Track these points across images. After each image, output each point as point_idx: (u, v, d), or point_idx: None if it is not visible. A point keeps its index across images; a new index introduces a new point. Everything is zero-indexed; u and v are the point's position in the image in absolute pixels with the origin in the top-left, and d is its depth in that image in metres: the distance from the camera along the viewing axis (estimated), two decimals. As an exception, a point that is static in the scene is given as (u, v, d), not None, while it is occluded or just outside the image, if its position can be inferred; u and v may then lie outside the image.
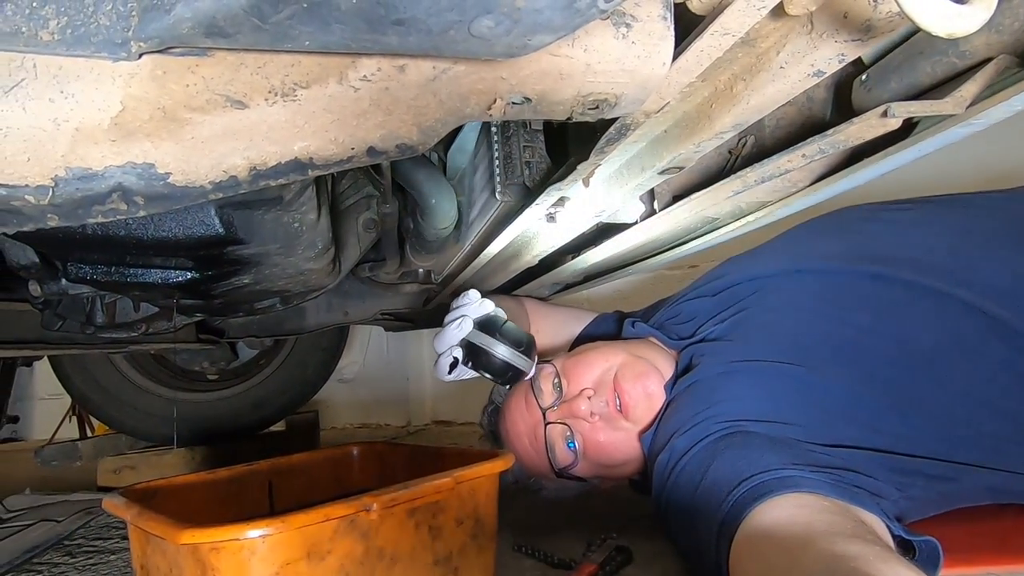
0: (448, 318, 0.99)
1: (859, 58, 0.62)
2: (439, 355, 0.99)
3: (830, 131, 0.62)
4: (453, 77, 0.44)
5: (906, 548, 0.66)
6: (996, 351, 0.75)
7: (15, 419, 3.02)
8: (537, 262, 1.13)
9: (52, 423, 2.55)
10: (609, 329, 1.22)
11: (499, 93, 0.45)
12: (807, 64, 0.51)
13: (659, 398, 0.94)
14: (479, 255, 1.04)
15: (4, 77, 0.37)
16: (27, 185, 0.39)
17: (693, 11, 0.44)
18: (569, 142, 0.80)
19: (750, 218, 0.96)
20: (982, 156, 1.41)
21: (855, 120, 0.60)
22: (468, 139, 0.99)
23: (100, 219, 0.42)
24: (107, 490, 1.59)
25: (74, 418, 2.52)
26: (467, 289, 1.03)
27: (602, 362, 0.98)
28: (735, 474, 0.69)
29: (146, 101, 0.40)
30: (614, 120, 0.57)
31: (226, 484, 0.94)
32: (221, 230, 0.68)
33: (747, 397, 0.83)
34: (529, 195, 0.82)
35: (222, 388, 2.04)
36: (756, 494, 0.65)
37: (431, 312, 1.51)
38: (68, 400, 2.35)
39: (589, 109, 0.48)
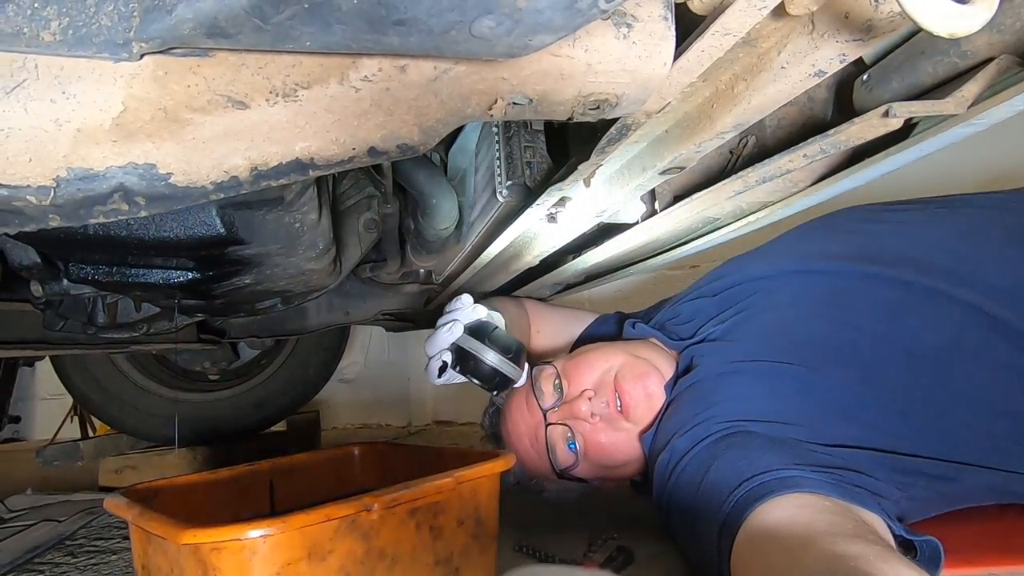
0: (440, 322, 0.99)
1: (860, 58, 0.62)
2: (429, 358, 1.00)
3: (831, 131, 0.62)
4: (454, 77, 0.44)
5: (907, 548, 0.66)
6: (998, 351, 0.75)
7: (17, 419, 3.02)
8: (538, 262, 1.13)
9: (54, 423, 2.55)
10: (610, 330, 1.22)
11: (500, 93, 0.45)
12: (808, 64, 0.51)
13: (659, 398, 0.94)
14: (480, 255, 1.04)
15: (6, 78, 0.37)
16: (29, 185, 0.39)
17: (694, 11, 0.44)
18: (570, 142, 0.80)
19: (751, 218, 0.96)
20: (984, 156, 1.40)
21: (856, 120, 0.60)
22: (469, 139, 0.99)
23: (101, 219, 0.42)
24: (108, 490, 1.60)
25: (75, 418, 2.52)
26: (461, 293, 1.02)
27: (602, 363, 0.98)
28: (736, 474, 0.69)
29: (147, 102, 0.40)
30: (615, 120, 0.57)
31: (227, 484, 0.94)
32: (222, 230, 0.68)
33: (748, 397, 0.83)
34: (530, 195, 0.82)
35: (223, 388, 2.04)
36: (757, 494, 0.65)
37: (432, 312, 1.51)
38: (69, 400, 2.35)
39: (590, 109, 0.48)
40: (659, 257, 1.19)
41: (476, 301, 1.07)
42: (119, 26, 0.35)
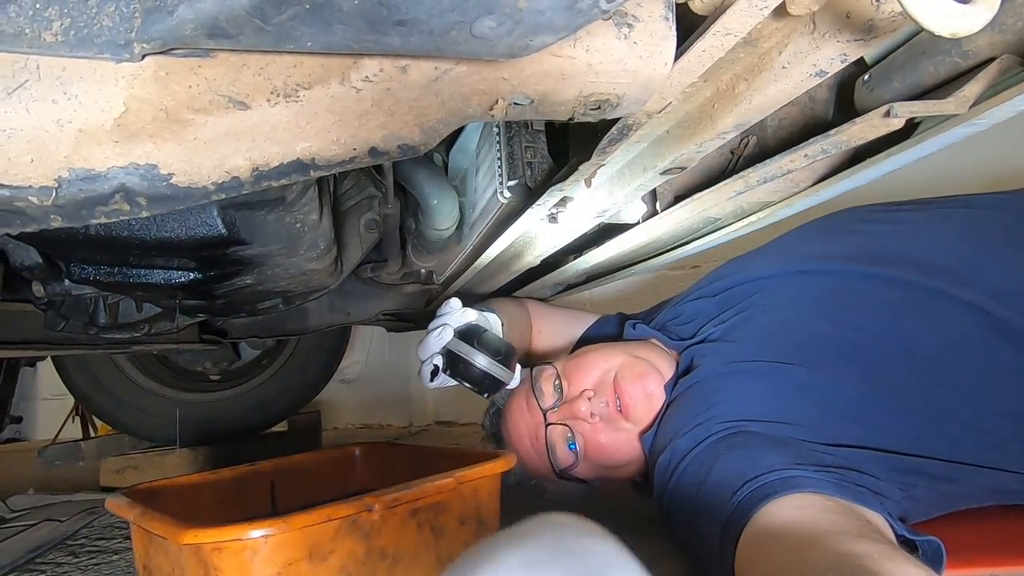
0: (430, 326, 1.00)
1: (862, 58, 0.62)
2: (422, 363, 1.01)
3: (832, 131, 0.62)
4: (455, 78, 0.44)
5: (909, 548, 0.65)
6: (999, 351, 0.75)
7: (18, 419, 3.03)
8: (539, 262, 1.13)
9: (55, 423, 2.55)
10: (611, 331, 1.22)
11: (501, 93, 0.45)
12: (809, 64, 0.51)
13: (659, 398, 0.94)
14: (481, 255, 1.04)
15: (8, 78, 0.37)
16: (31, 186, 0.40)
17: (695, 11, 0.44)
18: (571, 142, 0.80)
19: (752, 218, 0.96)
20: (985, 156, 1.40)
21: (857, 120, 0.60)
22: (470, 140, 0.99)
23: (103, 220, 0.42)
24: (110, 490, 1.60)
25: (77, 418, 2.52)
26: (450, 297, 1.04)
27: (602, 363, 0.98)
28: (738, 475, 0.69)
29: (149, 102, 0.40)
30: (616, 120, 0.57)
31: (229, 484, 0.94)
32: (223, 231, 0.68)
33: (748, 397, 0.83)
34: (531, 195, 0.82)
35: (224, 388, 2.04)
36: (760, 495, 0.65)
37: (432, 313, 1.51)
38: (71, 400, 2.35)
39: (591, 109, 0.48)
40: (660, 257, 1.19)
41: (476, 302, 1.07)
42: (121, 27, 0.35)
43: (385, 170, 0.95)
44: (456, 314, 0.99)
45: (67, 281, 0.81)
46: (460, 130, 0.97)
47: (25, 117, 0.38)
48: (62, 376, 1.88)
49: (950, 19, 0.33)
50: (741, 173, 0.75)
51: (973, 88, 0.55)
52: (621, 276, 1.35)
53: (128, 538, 1.23)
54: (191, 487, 0.90)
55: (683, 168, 0.69)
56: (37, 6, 0.33)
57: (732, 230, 1.01)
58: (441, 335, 0.97)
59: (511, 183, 0.82)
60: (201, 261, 0.77)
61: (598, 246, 1.06)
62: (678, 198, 0.91)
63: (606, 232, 1.04)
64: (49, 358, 1.83)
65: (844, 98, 0.75)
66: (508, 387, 0.99)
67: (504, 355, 0.96)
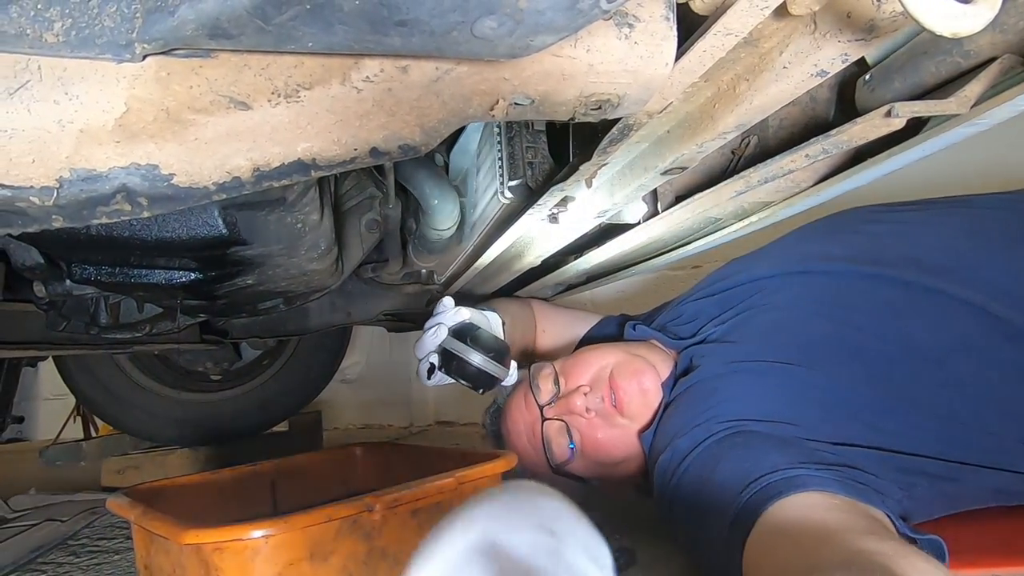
0: (426, 325, 1.02)
1: (863, 58, 0.62)
2: (419, 361, 1.03)
3: (833, 131, 0.62)
4: (456, 78, 0.44)
5: (911, 548, 0.65)
6: (1001, 351, 0.75)
7: (20, 419, 3.03)
8: (539, 263, 1.13)
9: (56, 423, 2.55)
10: (611, 331, 1.23)
11: (502, 94, 0.45)
12: (810, 64, 0.50)
13: (655, 394, 0.94)
14: (481, 256, 1.04)
15: (9, 79, 0.37)
16: (32, 186, 0.40)
17: (696, 11, 0.44)
18: (572, 143, 0.80)
19: (753, 218, 0.96)
20: (987, 156, 1.40)
21: (858, 120, 0.60)
22: (471, 140, 0.99)
23: (104, 220, 0.42)
24: (111, 490, 1.60)
25: (78, 418, 2.52)
26: (443, 297, 1.06)
27: (598, 360, 1.00)
28: (742, 476, 0.69)
29: (150, 102, 0.40)
30: (617, 120, 0.57)
31: (230, 484, 0.94)
32: (224, 231, 0.68)
33: (748, 397, 0.83)
34: (532, 196, 0.82)
35: (225, 389, 2.04)
36: (765, 496, 0.65)
37: (432, 313, 1.51)
38: (72, 400, 2.35)
39: (592, 110, 0.48)
40: (661, 257, 1.19)
41: (477, 302, 1.08)
42: (122, 27, 0.35)
43: (386, 170, 0.95)
44: (450, 313, 1.01)
45: (68, 281, 0.81)
46: (461, 130, 0.97)
47: (27, 117, 0.38)
48: (63, 376, 1.88)
49: (951, 19, 0.33)
50: (742, 173, 0.75)
51: (974, 88, 0.55)
52: (622, 276, 1.35)
53: (129, 538, 1.23)
54: (192, 487, 0.90)
55: (684, 168, 0.69)
56: (38, 7, 0.34)
57: (733, 230, 1.01)
58: (436, 334, 0.99)
59: (512, 183, 0.82)
60: (202, 261, 0.77)
61: (599, 246, 1.06)
62: (679, 198, 0.91)
63: (607, 232, 1.04)
64: (50, 358, 1.83)
65: (845, 98, 0.75)
66: (503, 383, 1.01)
67: (497, 352, 0.98)
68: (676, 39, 0.44)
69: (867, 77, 0.64)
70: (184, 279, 0.79)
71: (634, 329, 1.10)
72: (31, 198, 0.40)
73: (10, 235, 0.62)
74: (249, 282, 0.85)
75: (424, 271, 1.28)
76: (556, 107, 0.47)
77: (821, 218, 1.00)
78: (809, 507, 0.62)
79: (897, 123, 0.59)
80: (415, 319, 1.64)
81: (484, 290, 1.34)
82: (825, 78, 0.52)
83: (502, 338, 1.06)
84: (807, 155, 0.67)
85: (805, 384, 0.81)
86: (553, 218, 0.85)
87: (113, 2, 0.34)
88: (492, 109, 0.46)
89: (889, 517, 0.66)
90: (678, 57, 0.46)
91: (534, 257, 1.08)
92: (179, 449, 1.95)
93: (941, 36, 0.34)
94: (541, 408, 0.99)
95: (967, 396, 0.75)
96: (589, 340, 1.24)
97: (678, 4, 0.44)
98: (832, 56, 0.49)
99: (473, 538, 0.29)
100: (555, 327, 1.29)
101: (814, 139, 0.65)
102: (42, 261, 0.79)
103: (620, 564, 0.93)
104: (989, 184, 0.97)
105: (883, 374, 0.78)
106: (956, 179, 1.21)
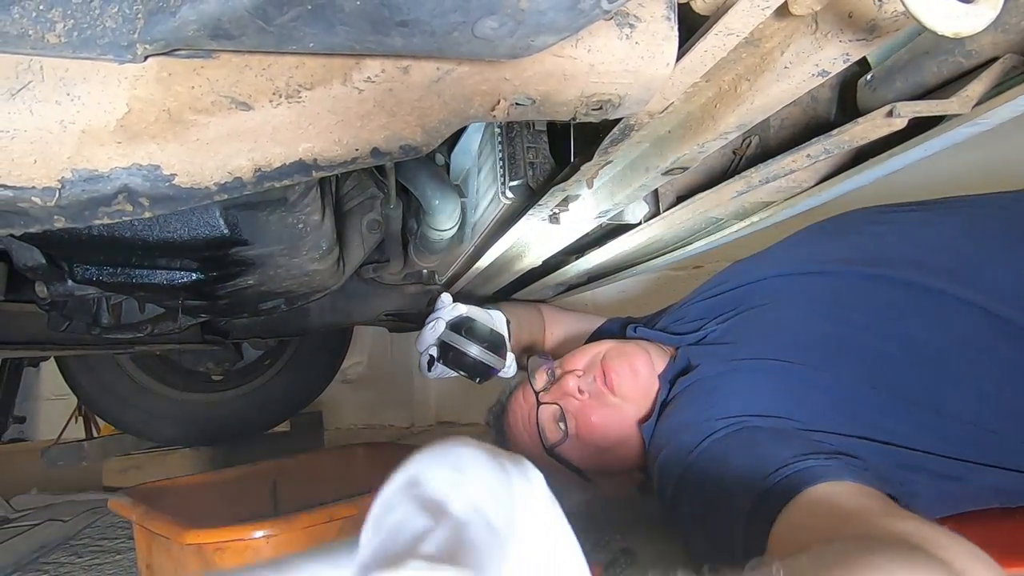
0: (426, 320, 1.09)
1: (864, 58, 0.62)
2: (420, 354, 1.09)
3: (835, 131, 0.62)
4: (457, 78, 0.44)
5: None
6: (1002, 351, 0.75)
7: (22, 419, 3.04)
8: (540, 263, 1.13)
9: (58, 423, 2.56)
10: (614, 332, 1.23)
11: (503, 94, 0.45)
12: (811, 64, 0.50)
13: (647, 377, 0.95)
14: (482, 256, 1.04)
15: (11, 80, 0.37)
16: (34, 187, 0.40)
17: (697, 11, 0.44)
18: (573, 143, 0.80)
19: (754, 218, 0.96)
20: (988, 156, 1.40)
21: (860, 120, 0.60)
22: (472, 140, 0.99)
23: (106, 220, 0.42)
24: (113, 490, 1.60)
25: (80, 418, 2.52)
26: (441, 294, 1.12)
27: (593, 349, 1.03)
28: (751, 474, 0.68)
29: (152, 103, 0.40)
30: (618, 121, 0.57)
31: (231, 484, 0.94)
32: (226, 231, 0.68)
33: (749, 394, 0.83)
34: (533, 196, 0.82)
35: (227, 389, 2.04)
36: (785, 487, 0.64)
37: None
38: (74, 400, 2.36)
39: (593, 110, 0.48)
40: (662, 257, 1.19)
41: (480, 302, 1.10)
42: (123, 28, 0.35)
43: (387, 170, 0.96)
44: (448, 308, 1.08)
45: (70, 282, 0.81)
46: (462, 130, 0.97)
47: (28, 118, 0.38)
48: (65, 376, 1.88)
49: (953, 19, 0.33)
50: (743, 173, 0.75)
51: (976, 88, 0.55)
52: (623, 276, 1.35)
53: (131, 538, 1.23)
54: (193, 487, 0.91)
55: (685, 168, 0.69)
56: (41, 7, 0.34)
57: (734, 230, 1.01)
58: (435, 328, 1.06)
59: (513, 183, 0.83)
60: (204, 262, 0.77)
61: (600, 246, 1.06)
62: (680, 198, 0.91)
63: (608, 232, 1.04)
64: (52, 358, 1.83)
65: (846, 98, 0.75)
66: (500, 374, 1.07)
67: (492, 343, 1.05)
68: (677, 39, 0.44)
69: (868, 77, 0.64)
70: (186, 279, 0.79)
71: (635, 331, 1.11)
72: (33, 198, 0.40)
73: (12, 235, 0.62)
74: (250, 282, 0.85)
75: (425, 271, 1.29)
76: (557, 107, 0.47)
77: (825, 220, 1.00)
78: (831, 496, 0.63)
79: (899, 123, 0.59)
80: (416, 319, 1.64)
81: (485, 290, 1.34)
82: (826, 78, 0.52)
83: (506, 334, 1.10)
84: (808, 155, 0.67)
85: (806, 383, 0.81)
86: (554, 218, 0.85)
87: (115, 3, 0.34)
88: (493, 109, 0.46)
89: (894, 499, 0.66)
90: (679, 57, 0.46)
91: (535, 257, 1.09)
92: (180, 449, 1.95)
93: (943, 36, 0.34)
94: (537, 394, 1.01)
95: (968, 395, 0.75)
96: (593, 339, 1.25)
97: (679, 4, 0.44)
98: (833, 56, 0.49)
99: (404, 477, 0.39)
100: (562, 328, 1.33)
101: (815, 139, 0.65)
102: (44, 261, 0.79)
103: (620, 564, 0.92)
104: (990, 184, 0.97)
105: (884, 373, 0.78)
106: (957, 179, 1.21)
